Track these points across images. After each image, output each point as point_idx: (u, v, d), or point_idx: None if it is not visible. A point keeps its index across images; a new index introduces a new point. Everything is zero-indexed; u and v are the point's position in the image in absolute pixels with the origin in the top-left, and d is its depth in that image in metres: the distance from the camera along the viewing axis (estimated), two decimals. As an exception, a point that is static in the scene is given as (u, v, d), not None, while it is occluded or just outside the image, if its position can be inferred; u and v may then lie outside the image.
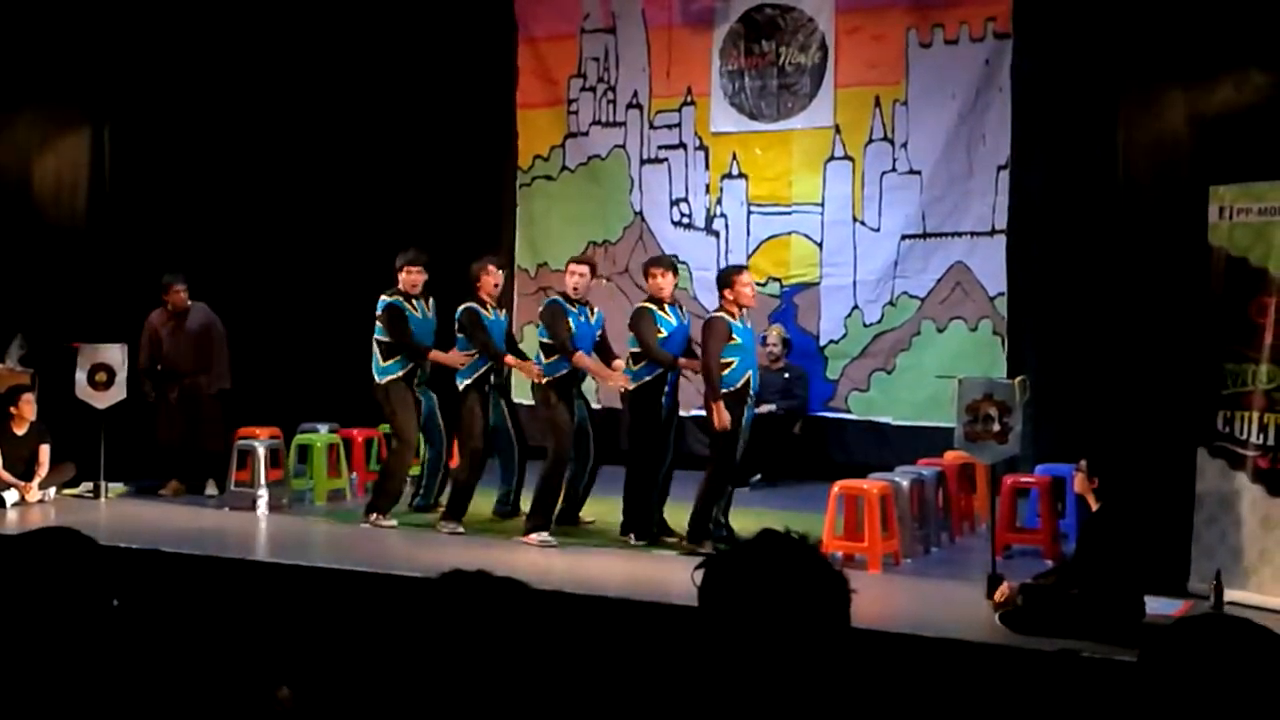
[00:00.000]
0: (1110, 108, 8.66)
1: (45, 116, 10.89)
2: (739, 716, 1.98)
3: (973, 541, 8.71)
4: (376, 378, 8.95)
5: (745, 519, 8.14)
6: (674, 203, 11.87)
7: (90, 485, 9.96)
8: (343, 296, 11.09)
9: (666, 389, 8.36)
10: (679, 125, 11.83)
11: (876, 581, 7.37)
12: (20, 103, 10.74)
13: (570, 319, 8.41)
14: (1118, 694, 5.36)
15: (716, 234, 11.67)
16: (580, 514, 8.85)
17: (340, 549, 8.38)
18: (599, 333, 8.75)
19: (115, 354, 10.00)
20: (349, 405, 10.63)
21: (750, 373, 8.09)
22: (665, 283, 8.37)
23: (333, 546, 8.61)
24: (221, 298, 10.50)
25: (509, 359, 8.74)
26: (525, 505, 8.67)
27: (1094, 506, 6.51)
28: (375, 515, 8.88)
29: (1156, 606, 6.25)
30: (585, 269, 8.54)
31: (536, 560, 7.83)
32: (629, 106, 12.00)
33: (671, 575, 7.13)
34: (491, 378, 8.75)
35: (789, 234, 11.41)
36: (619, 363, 8.60)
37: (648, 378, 8.31)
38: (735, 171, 11.61)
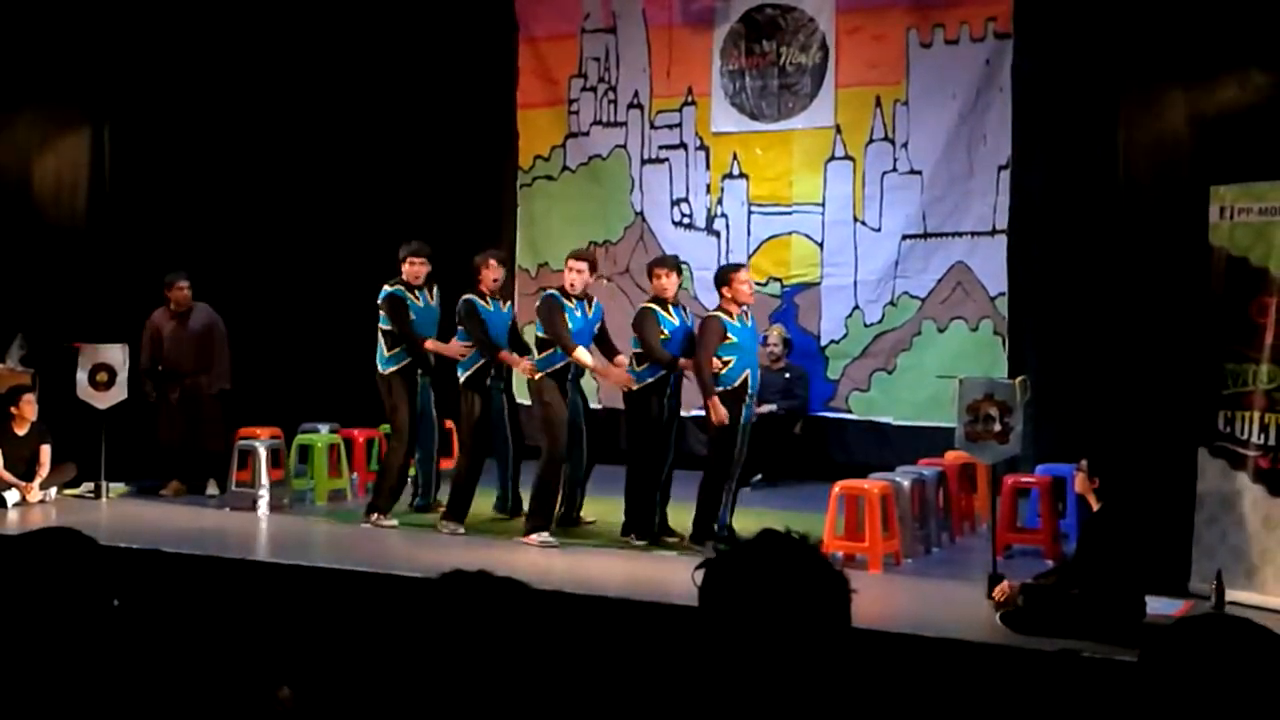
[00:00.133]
0: (1111, 107, 8.66)
1: (45, 116, 10.90)
2: (739, 716, 1.98)
3: (973, 541, 8.71)
4: (379, 368, 8.98)
5: (746, 519, 8.14)
6: (675, 203, 11.87)
7: (91, 485, 9.96)
8: (343, 296, 11.09)
9: (668, 390, 8.36)
10: (680, 125, 11.83)
11: (877, 581, 7.37)
12: (20, 103, 10.74)
13: (567, 314, 8.40)
14: (1118, 694, 5.36)
15: (717, 234, 11.67)
16: (580, 514, 8.84)
17: (341, 549, 8.38)
18: (598, 326, 8.73)
19: (116, 354, 10.01)
20: (350, 405, 10.64)
21: (749, 372, 8.09)
22: (669, 283, 8.37)
23: (333, 546, 8.61)
24: (222, 297, 10.50)
25: (503, 355, 8.72)
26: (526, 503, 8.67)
27: (1095, 506, 6.51)
28: (376, 515, 8.88)
29: (1157, 606, 6.25)
30: (584, 265, 8.51)
31: (537, 560, 7.83)
32: (630, 106, 12.00)
33: (672, 575, 7.14)
34: (491, 373, 8.73)
35: (790, 234, 11.41)
36: (621, 359, 8.59)
37: (650, 379, 8.31)
38: (736, 171, 11.61)
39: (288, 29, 11.44)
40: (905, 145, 10.95)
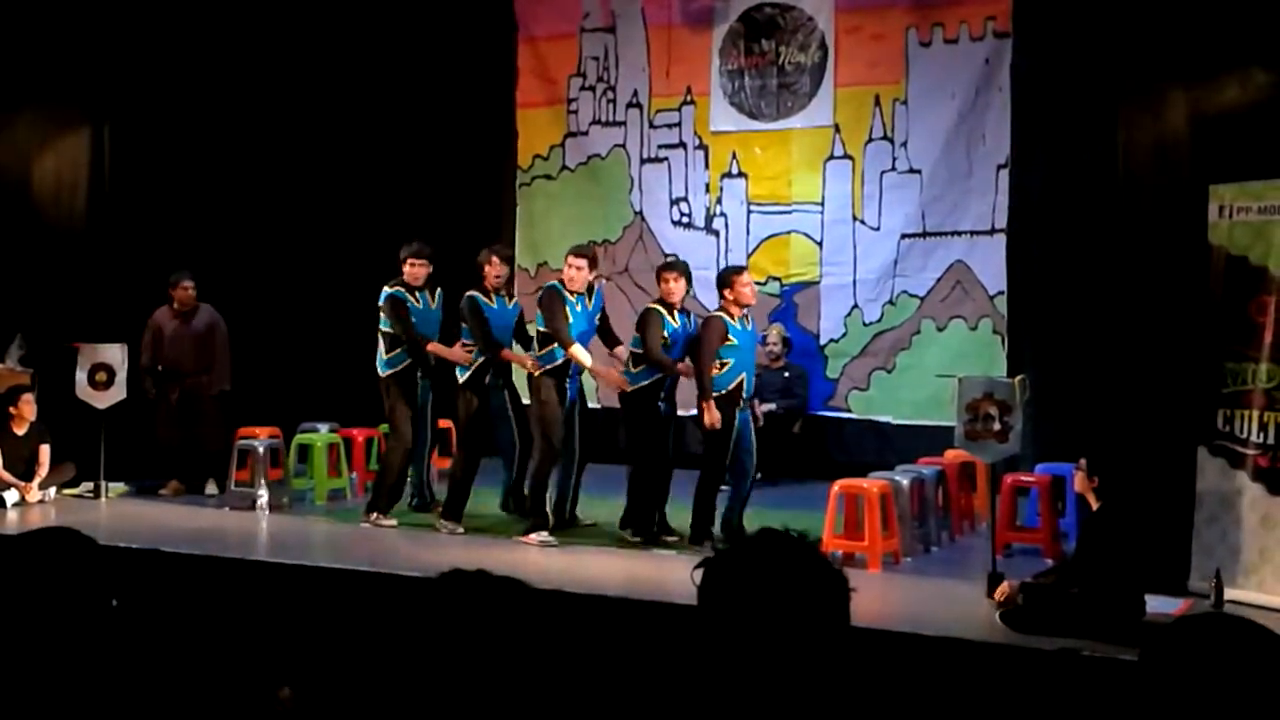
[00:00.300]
0: (1110, 106, 8.66)
1: (45, 116, 10.89)
2: (739, 716, 1.98)
3: (973, 540, 8.71)
4: (379, 370, 8.97)
5: (745, 518, 8.14)
6: (674, 202, 11.87)
7: (90, 485, 9.96)
8: (343, 296, 11.09)
9: (663, 393, 8.37)
10: (679, 124, 11.83)
11: (876, 580, 7.37)
12: (20, 102, 10.74)
13: (567, 307, 8.39)
14: (1118, 693, 5.36)
15: (716, 233, 11.68)
16: (575, 512, 8.82)
17: (340, 549, 8.39)
18: (598, 316, 8.72)
19: (115, 354, 10.00)
20: (349, 405, 10.63)
21: (745, 375, 8.09)
22: (677, 288, 8.36)
23: (333, 546, 8.61)
24: (221, 297, 10.50)
25: (505, 353, 8.71)
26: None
27: (1094, 505, 6.51)
28: (375, 515, 8.88)
29: (1157, 605, 6.25)
30: (584, 262, 8.49)
31: (536, 559, 7.84)
32: (629, 106, 12.01)
33: (671, 574, 7.13)
34: (491, 371, 8.72)
35: (789, 233, 11.42)
36: (621, 350, 8.60)
37: (645, 381, 8.31)
38: (735, 171, 11.61)
39: (287, 29, 11.44)
40: (904, 144, 10.95)
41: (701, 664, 2.02)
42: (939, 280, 10.82)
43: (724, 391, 8.00)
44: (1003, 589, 6.45)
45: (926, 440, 9.77)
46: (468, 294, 8.67)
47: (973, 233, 10.70)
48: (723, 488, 8.28)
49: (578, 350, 8.32)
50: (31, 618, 2.51)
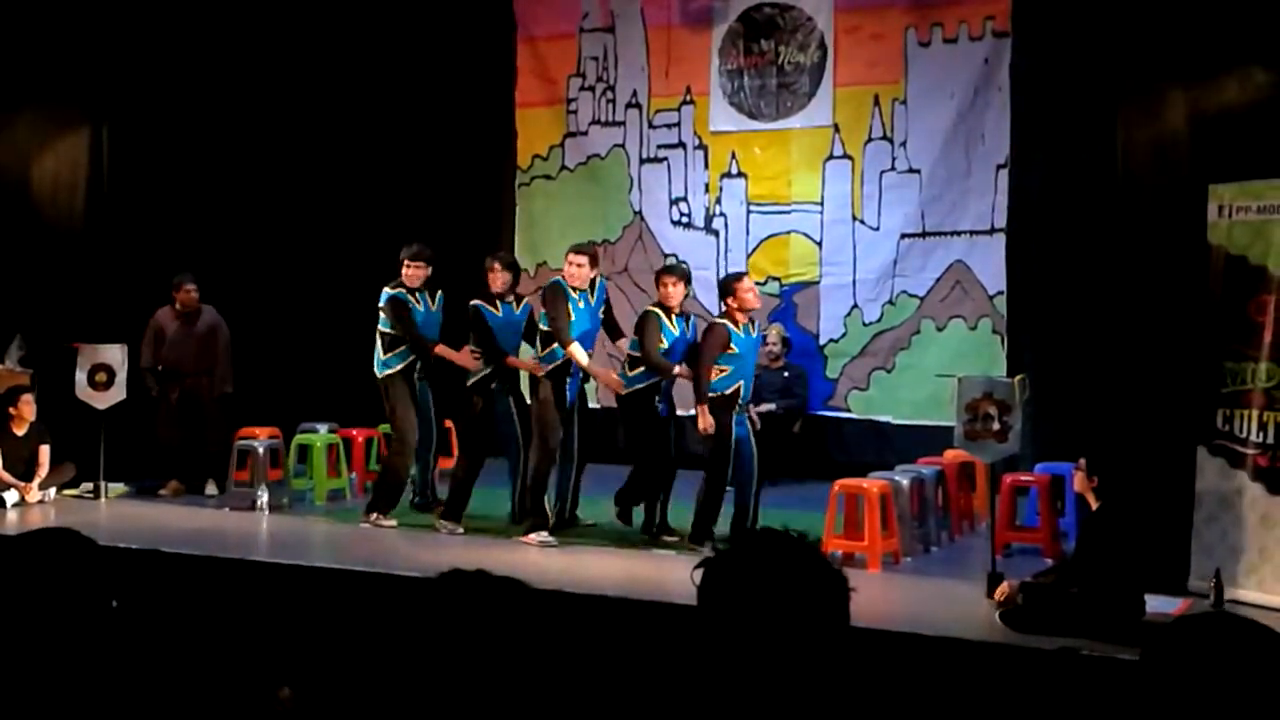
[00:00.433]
0: (1109, 106, 8.66)
1: (44, 116, 10.88)
2: (738, 716, 1.98)
3: (972, 540, 8.71)
4: (376, 371, 8.95)
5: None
6: (673, 202, 11.87)
7: (90, 485, 9.96)
8: (342, 296, 11.09)
9: (659, 395, 8.37)
10: (678, 124, 11.83)
11: (876, 580, 7.37)
12: (19, 103, 10.74)
13: (570, 304, 8.39)
14: (1118, 692, 5.36)
15: (716, 233, 11.68)
16: (575, 513, 8.82)
17: (340, 549, 8.39)
18: (601, 311, 8.71)
19: (115, 354, 10.00)
20: (349, 405, 10.63)
21: (742, 383, 8.05)
22: (676, 292, 8.35)
23: (332, 546, 8.61)
24: (220, 297, 10.50)
25: (510, 360, 8.71)
26: None
27: (1094, 505, 6.51)
28: (375, 515, 8.88)
29: (1156, 605, 6.25)
30: (584, 259, 8.48)
31: (536, 560, 7.84)
32: (628, 106, 12.01)
33: (671, 574, 7.14)
34: (497, 377, 8.71)
35: (788, 233, 11.42)
36: (624, 343, 8.60)
37: (641, 384, 8.31)
38: (734, 171, 11.61)
39: (287, 29, 11.44)
40: (904, 144, 10.95)
41: (701, 664, 2.02)
42: (938, 280, 10.82)
43: (722, 394, 7.99)
44: (1002, 589, 6.45)
45: (926, 440, 9.77)
46: (472, 303, 8.65)
47: (972, 232, 10.70)
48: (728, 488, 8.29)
49: (576, 349, 8.32)
50: (31, 618, 2.51)
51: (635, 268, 11.78)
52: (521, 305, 8.87)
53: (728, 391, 8.00)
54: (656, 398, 8.38)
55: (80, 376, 9.89)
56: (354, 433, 10.56)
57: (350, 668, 4.58)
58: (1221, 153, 7.48)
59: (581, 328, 8.42)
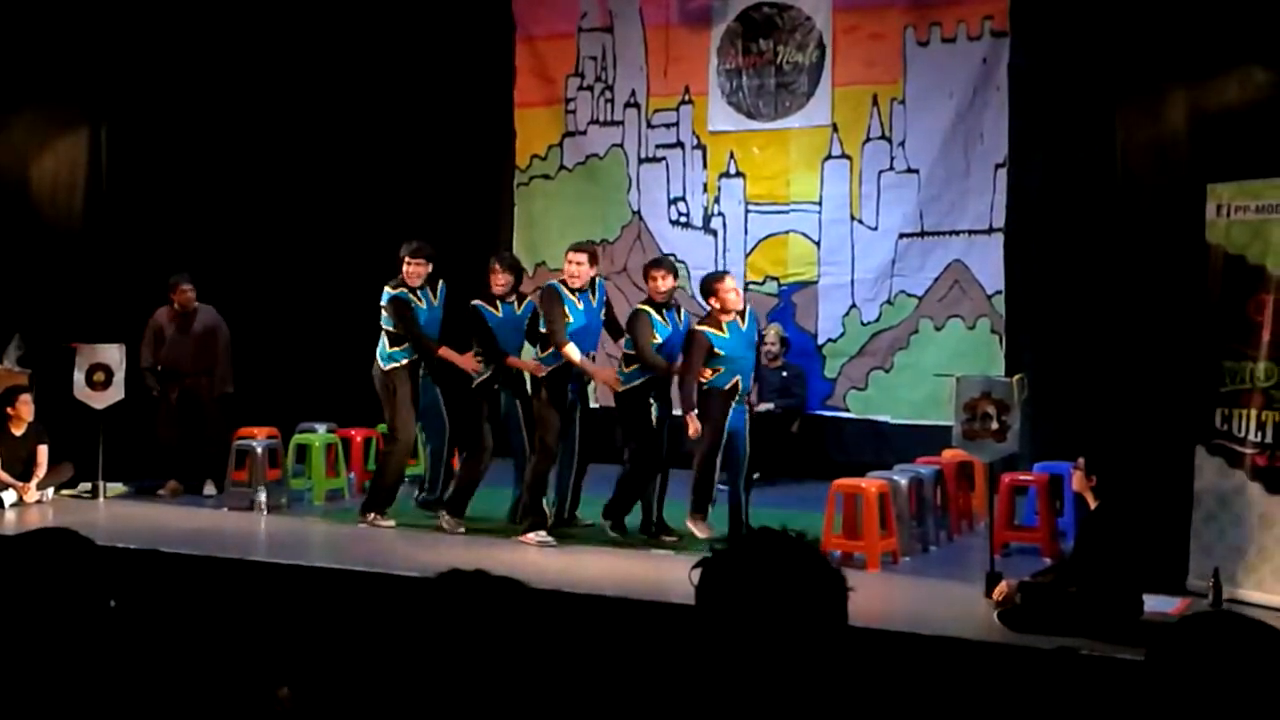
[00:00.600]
0: (1108, 106, 8.66)
1: (43, 116, 10.88)
2: (737, 715, 1.98)
3: (971, 540, 8.71)
4: (380, 363, 8.90)
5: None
6: (672, 202, 11.87)
7: (88, 485, 9.96)
8: (340, 296, 11.09)
9: (654, 392, 8.37)
10: (677, 124, 11.83)
11: (875, 580, 7.37)
12: (18, 103, 10.74)
13: (566, 305, 8.39)
14: (1117, 692, 5.36)
15: (714, 233, 11.68)
16: (575, 513, 8.82)
17: (338, 549, 8.38)
18: (604, 312, 8.71)
19: (113, 354, 10.00)
20: (347, 405, 10.62)
21: (739, 378, 8.09)
22: (665, 285, 8.36)
23: (331, 546, 8.61)
24: (219, 298, 10.49)
25: (511, 359, 8.69)
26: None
27: (1092, 504, 6.51)
28: (373, 515, 8.87)
29: (1155, 604, 6.26)
30: (584, 257, 8.47)
31: (534, 559, 7.84)
32: (627, 105, 12.00)
33: (669, 574, 7.13)
34: (501, 378, 8.68)
35: (787, 233, 11.41)
36: (624, 341, 8.60)
37: (638, 381, 8.32)
38: (733, 170, 11.61)
39: (286, 28, 11.44)
40: (902, 144, 10.95)
41: (700, 664, 2.02)
42: (937, 280, 10.81)
43: (720, 389, 8.03)
44: (1001, 588, 6.45)
45: (924, 440, 9.76)
46: (472, 303, 8.64)
47: (971, 232, 10.70)
48: (721, 487, 8.30)
49: (570, 349, 8.31)
50: (29, 618, 2.51)
51: (634, 267, 11.74)
52: (524, 304, 8.82)
53: (725, 387, 8.03)
54: (653, 394, 8.38)
55: (78, 376, 9.89)
56: (352, 433, 10.56)
57: (349, 668, 4.58)
58: (1220, 152, 7.49)
59: (580, 326, 8.41)
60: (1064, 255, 9.81)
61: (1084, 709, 5.45)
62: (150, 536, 8.19)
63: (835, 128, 11.20)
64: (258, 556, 8.01)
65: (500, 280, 8.62)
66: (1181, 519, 6.97)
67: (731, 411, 8.10)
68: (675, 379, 8.29)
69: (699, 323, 8.24)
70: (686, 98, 11.77)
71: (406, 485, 9.51)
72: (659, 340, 8.25)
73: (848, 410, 11.17)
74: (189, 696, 2.63)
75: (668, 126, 11.86)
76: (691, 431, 8.01)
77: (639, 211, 11.97)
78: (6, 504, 9.43)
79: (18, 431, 9.67)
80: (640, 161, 11.97)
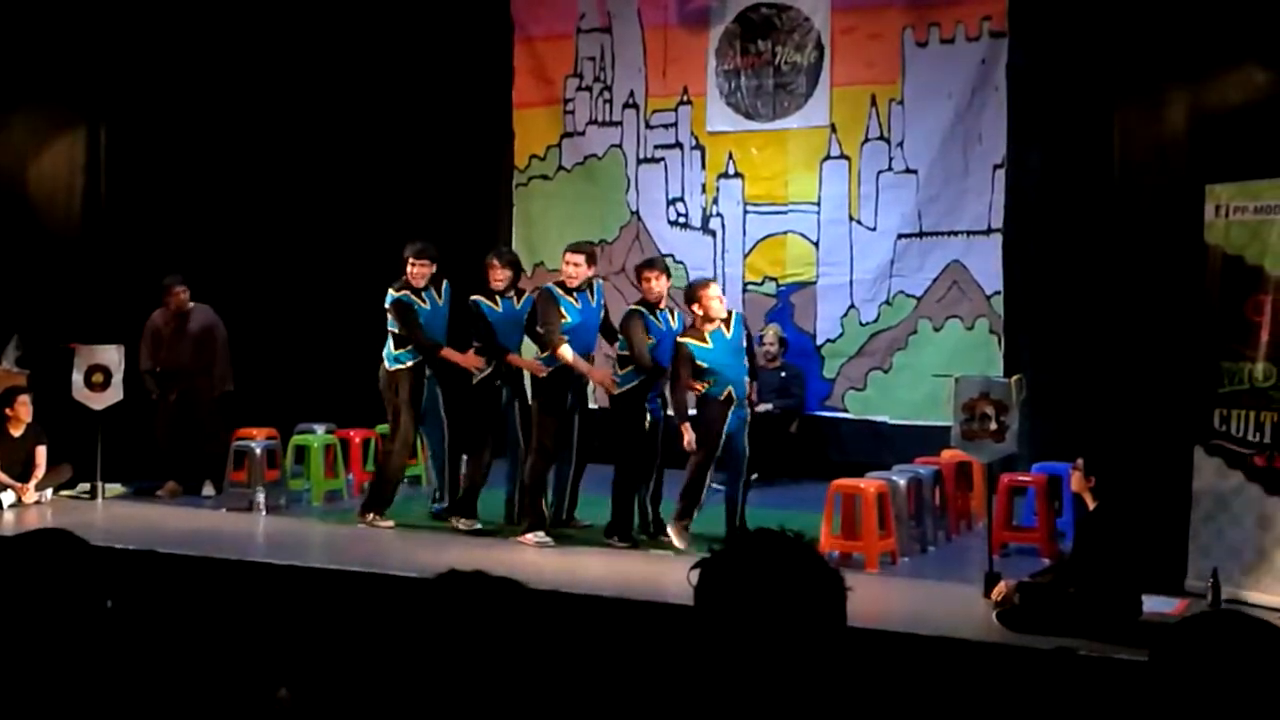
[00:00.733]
0: (1106, 106, 8.66)
1: (41, 117, 10.88)
2: (736, 716, 1.98)
3: (970, 540, 8.72)
4: (387, 364, 8.91)
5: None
6: (670, 202, 11.86)
7: (87, 486, 9.95)
8: (339, 296, 11.09)
9: (651, 394, 8.36)
10: (675, 125, 11.82)
11: (874, 580, 7.37)
12: (16, 104, 10.73)
13: (563, 306, 8.38)
14: (1116, 692, 5.37)
15: (713, 233, 11.67)
16: (574, 514, 8.81)
17: (337, 550, 8.38)
18: (602, 314, 8.70)
19: (112, 355, 9.99)
20: (346, 406, 10.62)
21: (731, 388, 8.01)
22: (658, 286, 8.35)
23: (330, 547, 8.61)
24: (218, 298, 10.49)
25: (511, 357, 8.69)
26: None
27: (1091, 505, 6.51)
28: (371, 515, 8.87)
29: (1153, 604, 6.26)
30: (581, 258, 8.46)
31: (533, 560, 7.84)
32: (625, 106, 12.00)
33: (667, 575, 7.13)
34: (500, 374, 8.67)
35: (785, 233, 11.41)
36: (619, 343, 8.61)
37: (633, 382, 8.30)
38: (731, 171, 11.61)
39: (284, 29, 11.43)
40: (901, 144, 10.94)
41: (698, 664, 2.02)
42: (935, 280, 10.81)
43: (716, 399, 7.99)
44: (1000, 589, 6.45)
45: (923, 440, 9.76)
46: (471, 299, 8.64)
47: (969, 233, 10.70)
48: (718, 487, 8.29)
49: (564, 350, 8.31)
50: (24, 619, 2.50)
51: (633, 268, 11.73)
52: (523, 300, 8.80)
53: (720, 397, 7.99)
54: (648, 396, 8.37)
55: (77, 377, 9.88)
56: (351, 433, 10.55)
57: (348, 669, 4.57)
58: (1218, 152, 7.49)
59: (578, 326, 8.41)
60: (1062, 256, 9.81)
61: (1082, 709, 5.46)
62: (149, 537, 8.19)
63: (834, 128, 11.19)
64: (256, 557, 8.01)
65: (499, 276, 8.63)
66: (1180, 519, 6.97)
67: (730, 416, 8.06)
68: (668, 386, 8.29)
69: (681, 334, 8.17)
70: (685, 98, 11.76)
71: (406, 486, 9.51)
72: (652, 341, 8.24)
73: (846, 411, 11.17)
74: (187, 697, 2.63)
75: (666, 127, 11.85)
76: (686, 443, 7.96)
77: (637, 212, 11.96)
78: (5, 505, 9.43)
79: (16, 432, 9.67)
80: (639, 162, 11.96)
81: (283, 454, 10.04)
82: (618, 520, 8.32)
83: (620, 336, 8.44)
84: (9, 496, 9.47)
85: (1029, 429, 8.66)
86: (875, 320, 11.07)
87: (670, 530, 8.09)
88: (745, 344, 8.35)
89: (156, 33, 10.88)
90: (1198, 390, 6.99)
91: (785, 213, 11.40)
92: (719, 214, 11.66)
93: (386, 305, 8.86)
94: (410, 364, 8.87)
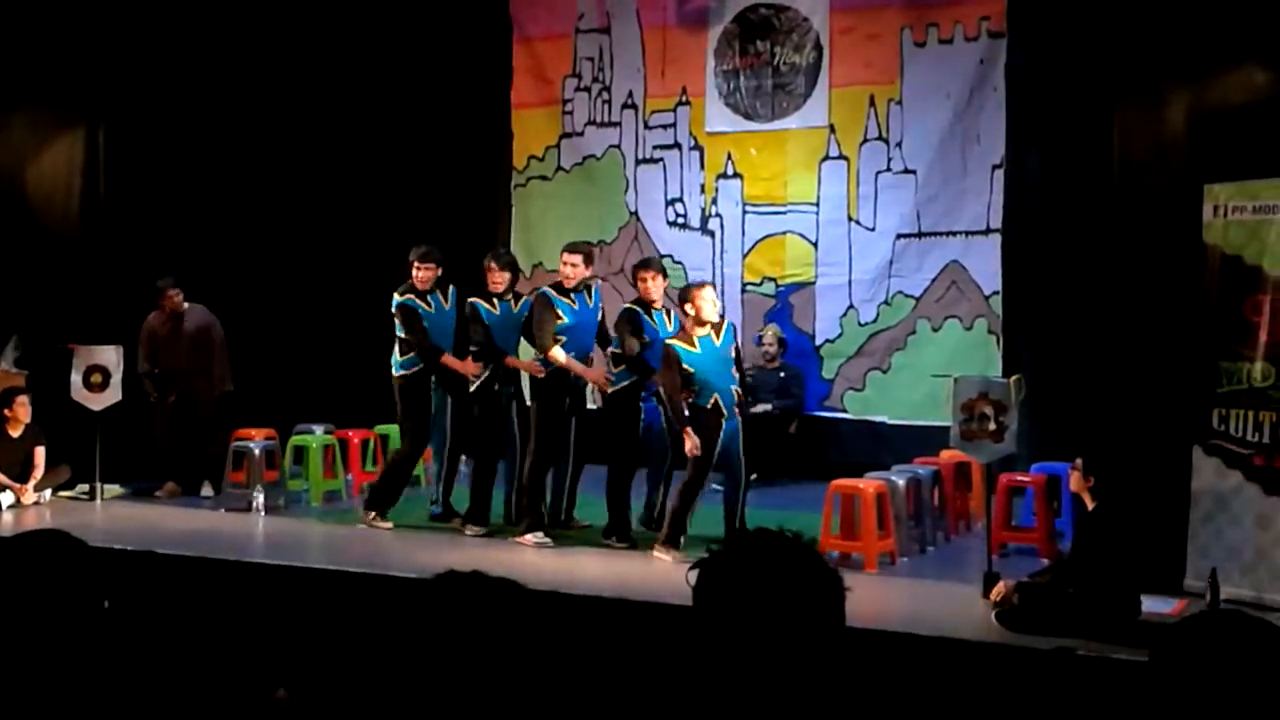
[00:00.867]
0: (1105, 106, 8.66)
1: (40, 118, 10.88)
2: (735, 716, 1.98)
3: (969, 540, 8.71)
4: (393, 370, 8.95)
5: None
6: (669, 203, 11.86)
7: (86, 487, 9.95)
8: (338, 297, 11.09)
9: (644, 394, 8.35)
10: (674, 125, 11.82)
11: (873, 581, 7.37)
12: (15, 104, 10.73)
13: (559, 308, 8.37)
14: (1114, 692, 5.37)
15: (712, 234, 11.67)
16: (572, 514, 8.81)
17: (336, 550, 8.38)
18: (600, 315, 8.69)
19: (110, 355, 9.99)
20: (345, 406, 10.62)
21: (717, 396, 7.86)
22: (654, 286, 8.34)
23: (328, 548, 8.61)
24: (217, 299, 10.49)
25: (510, 359, 8.69)
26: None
27: (1090, 505, 6.52)
28: (373, 515, 8.87)
29: (1152, 605, 6.26)
30: (578, 258, 8.45)
31: (532, 560, 7.84)
32: (624, 106, 12.00)
33: (667, 575, 7.13)
34: (500, 378, 8.67)
35: (784, 234, 11.41)
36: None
37: (625, 382, 8.29)
38: (730, 171, 11.61)
39: (283, 30, 11.43)
40: (899, 145, 10.94)
41: (697, 665, 2.02)
42: (934, 280, 10.81)
43: (704, 409, 7.87)
44: (999, 589, 6.45)
45: (922, 440, 9.75)
46: (469, 300, 8.64)
47: (968, 233, 10.70)
48: (717, 487, 8.27)
49: (557, 352, 8.30)
50: (20, 620, 2.50)
51: (631, 269, 11.77)
52: (521, 303, 8.78)
53: (708, 406, 7.87)
54: (642, 396, 8.36)
55: (76, 378, 9.88)
56: (350, 434, 10.55)
57: (347, 669, 4.57)
58: (1217, 152, 7.49)
59: (575, 325, 8.40)
60: (1061, 256, 9.81)
61: (1082, 710, 5.46)
62: (147, 538, 8.19)
63: (832, 129, 11.19)
64: (255, 558, 8.01)
65: (497, 279, 8.62)
66: (1179, 520, 6.97)
67: (723, 428, 7.89)
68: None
69: (672, 336, 8.06)
70: (684, 99, 11.76)
71: (406, 487, 9.49)
72: (646, 341, 8.22)
73: (845, 411, 11.17)
74: (186, 698, 2.62)
75: (665, 128, 11.85)
76: (688, 448, 7.79)
77: (636, 212, 11.96)
78: (4, 506, 9.44)
79: (15, 433, 9.67)
80: (638, 163, 11.96)
81: (281, 454, 10.04)
82: (615, 520, 8.31)
83: (614, 334, 8.43)
84: (8, 497, 9.48)
85: (1028, 429, 8.66)
86: (874, 320, 11.07)
87: (658, 553, 7.88)
88: (735, 355, 8.20)
89: (156, 33, 10.89)
90: (1196, 390, 6.99)
91: (784, 213, 11.40)
92: (718, 214, 11.66)
93: (392, 309, 8.86)
94: (414, 370, 8.88)
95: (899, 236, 10.93)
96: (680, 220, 11.83)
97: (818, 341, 11.27)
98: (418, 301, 8.82)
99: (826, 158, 11.24)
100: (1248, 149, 7.30)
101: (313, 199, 11.69)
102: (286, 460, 10.10)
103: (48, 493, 9.79)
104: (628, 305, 8.47)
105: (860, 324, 11.11)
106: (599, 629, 6.28)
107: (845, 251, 11.18)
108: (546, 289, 8.56)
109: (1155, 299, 7.61)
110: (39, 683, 2.44)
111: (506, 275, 8.66)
